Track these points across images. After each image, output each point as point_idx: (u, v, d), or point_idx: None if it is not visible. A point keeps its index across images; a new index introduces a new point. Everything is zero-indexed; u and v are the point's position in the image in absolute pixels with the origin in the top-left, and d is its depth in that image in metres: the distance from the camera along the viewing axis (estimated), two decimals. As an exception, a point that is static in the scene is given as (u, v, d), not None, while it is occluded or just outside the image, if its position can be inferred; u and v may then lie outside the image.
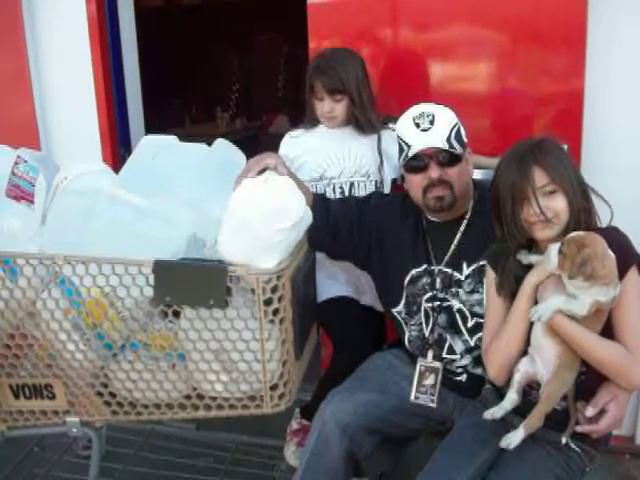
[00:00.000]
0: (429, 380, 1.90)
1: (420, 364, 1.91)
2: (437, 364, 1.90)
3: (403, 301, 1.96)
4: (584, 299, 1.49)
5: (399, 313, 1.98)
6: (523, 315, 1.59)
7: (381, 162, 2.25)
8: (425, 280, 1.92)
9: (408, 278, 1.94)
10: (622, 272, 1.52)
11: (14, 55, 3.04)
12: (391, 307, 2.00)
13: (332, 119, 2.25)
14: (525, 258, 1.63)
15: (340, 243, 2.02)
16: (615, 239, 1.55)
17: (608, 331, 1.55)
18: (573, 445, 1.61)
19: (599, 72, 2.36)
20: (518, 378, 1.62)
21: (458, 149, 1.83)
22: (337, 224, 2.00)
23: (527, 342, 1.61)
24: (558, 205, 1.56)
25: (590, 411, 1.54)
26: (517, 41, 2.42)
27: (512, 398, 1.63)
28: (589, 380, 1.58)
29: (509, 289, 1.65)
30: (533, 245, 1.65)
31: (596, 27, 2.32)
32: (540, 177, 1.55)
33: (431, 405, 1.89)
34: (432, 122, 1.82)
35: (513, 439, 1.58)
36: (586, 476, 1.67)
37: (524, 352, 1.62)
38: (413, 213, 1.97)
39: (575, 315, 1.51)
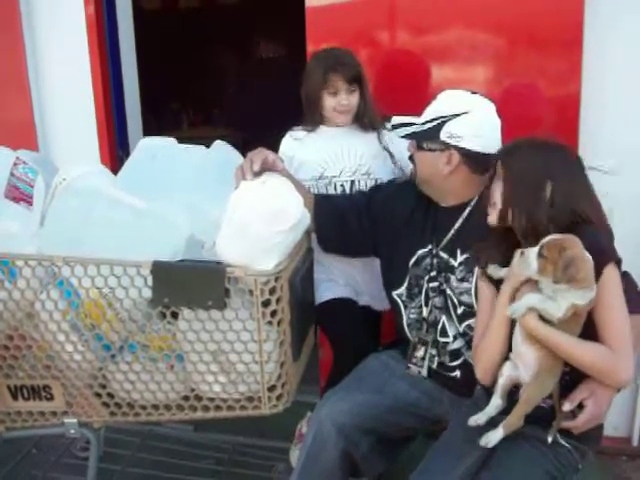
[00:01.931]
0: (420, 352, 1.94)
1: (415, 335, 1.95)
2: (428, 337, 1.92)
3: (406, 283, 1.97)
4: (560, 302, 1.48)
5: (400, 296, 1.99)
6: (502, 322, 1.60)
7: (391, 155, 2.23)
8: (428, 261, 1.93)
9: (414, 259, 1.96)
10: (598, 270, 1.50)
11: (12, 56, 3.04)
12: (393, 289, 2.01)
13: (347, 112, 2.22)
14: (495, 273, 1.64)
15: (350, 234, 2.04)
16: (590, 238, 1.51)
17: (590, 330, 1.53)
18: (562, 441, 1.62)
19: (596, 74, 2.36)
20: (502, 382, 1.62)
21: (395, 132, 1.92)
22: (344, 216, 2.03)
23: (510, 347, 1.62)
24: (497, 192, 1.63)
25: (566, 406, 1.56)
26: (514, 43, 2.42)
27: (496, 404, 1.63)
28: (574, 381, 1.59)
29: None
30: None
31: (593, 29, 2.32)
32: None
33: (419, 376, 1.93)
34: (430, 103, 1.90)
35: (492, 438, 1.59)
36: (580, 474, 1.67)
37: (507, 357, 1.63)
38: (426, 198, 1.97)
39: (551, 317, 1.50)
